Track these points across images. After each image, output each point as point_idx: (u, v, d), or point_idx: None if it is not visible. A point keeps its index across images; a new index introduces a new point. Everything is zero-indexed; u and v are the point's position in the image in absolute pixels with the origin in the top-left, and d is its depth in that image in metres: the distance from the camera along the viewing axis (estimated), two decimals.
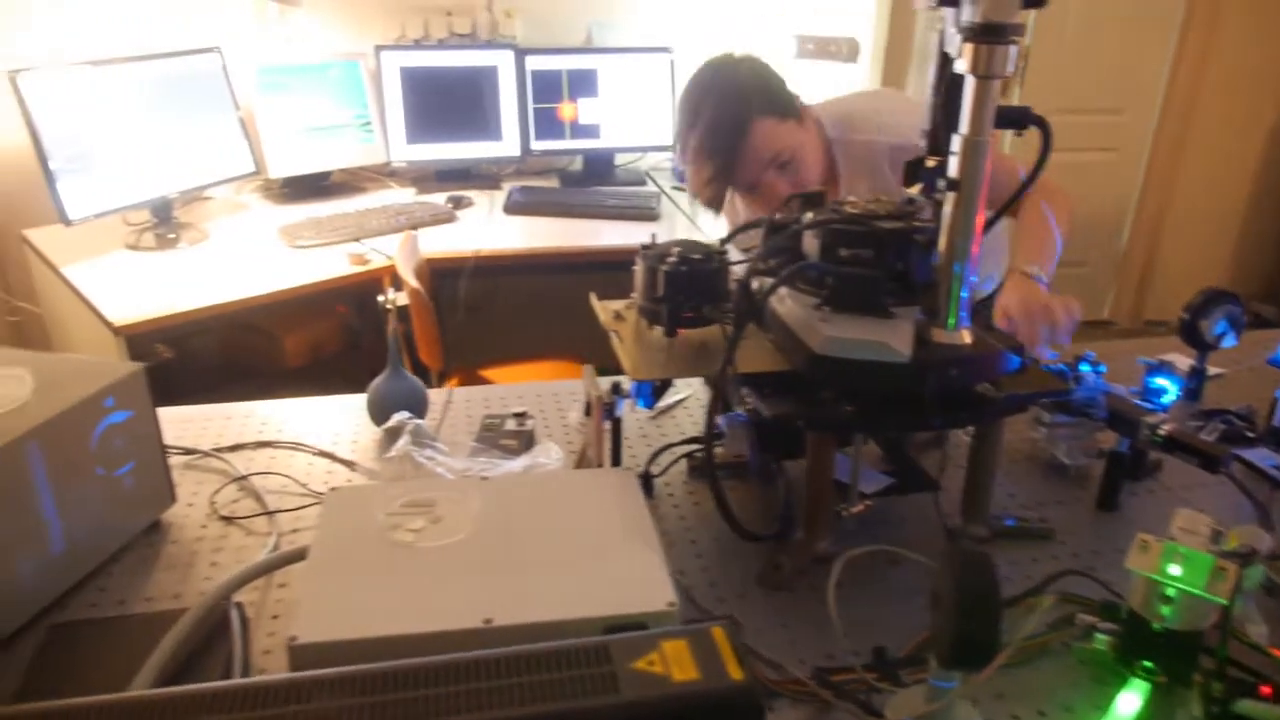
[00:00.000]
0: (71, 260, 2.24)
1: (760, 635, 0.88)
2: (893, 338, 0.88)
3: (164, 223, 2.43)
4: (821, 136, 1.56)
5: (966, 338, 0.92)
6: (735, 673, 0.60)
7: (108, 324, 1.96)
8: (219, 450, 1.21)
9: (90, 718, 0.56)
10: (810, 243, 0.98)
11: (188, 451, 1.20)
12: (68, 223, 2.18)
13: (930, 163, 0.95)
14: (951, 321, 0.91)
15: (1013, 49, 0.81)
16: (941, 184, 0.88)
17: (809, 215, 1.02)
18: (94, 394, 0.94)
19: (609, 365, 1.07)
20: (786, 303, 0.97)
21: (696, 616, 0.90)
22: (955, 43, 0.82)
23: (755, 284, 0.98)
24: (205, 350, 2.72)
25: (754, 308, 0.96)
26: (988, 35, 0.79)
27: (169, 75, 2.43)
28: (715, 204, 1.57)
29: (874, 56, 3.08)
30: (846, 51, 2.82)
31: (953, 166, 0.86)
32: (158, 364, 2.58)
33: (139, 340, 2.01)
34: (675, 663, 0.60)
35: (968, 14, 0.81)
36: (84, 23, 2.55)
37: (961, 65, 0.82)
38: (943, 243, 0.89)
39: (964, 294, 0.90)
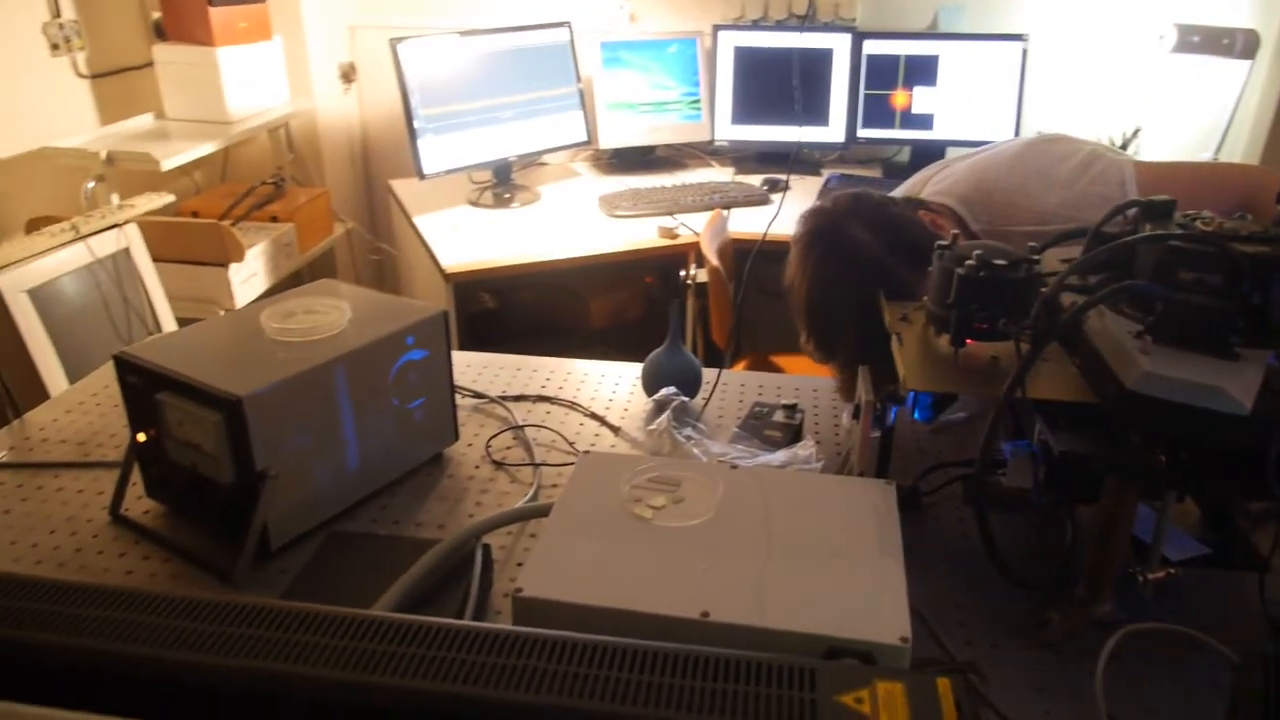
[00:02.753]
0: (422, 210, 2.50)
1: (1007, 695, 0.78)
2: (1232, 384, 0.73)
3: (503, 183, 2.63)
4: (963, 231, 1.29)
5: None
6: None
7: (441, 269, 2.16)
8: (504, 398, 1.28)
9: (334, 627, 0.61)
10: (1144, 259, 0.84)
11: (476, 395, 1.29)
12: (422, 177, 2.43)
13: None
14: None
15: None
16: None
17: (1147, 227, 0.88)
18: (397, 331, 1.03)
19: None
20: (1101, 326, 0.84)
21: (935, 657, 0.81)
22: None
23: (1066, 300, 0.86)
24: (522, 304, 2.93)
25: (1060, 326, 0.84)
26: None
27: (523, 47, 2.62)
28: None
29: (1277, 53, 2.63)
30: (1241, 46, 2.42)
31: None
32: (480, 311, 2.83)
33: (465, 287, 2.21)
34: (885, 706, 0.54)
35: None
36: None
37: None
38: None
39: None
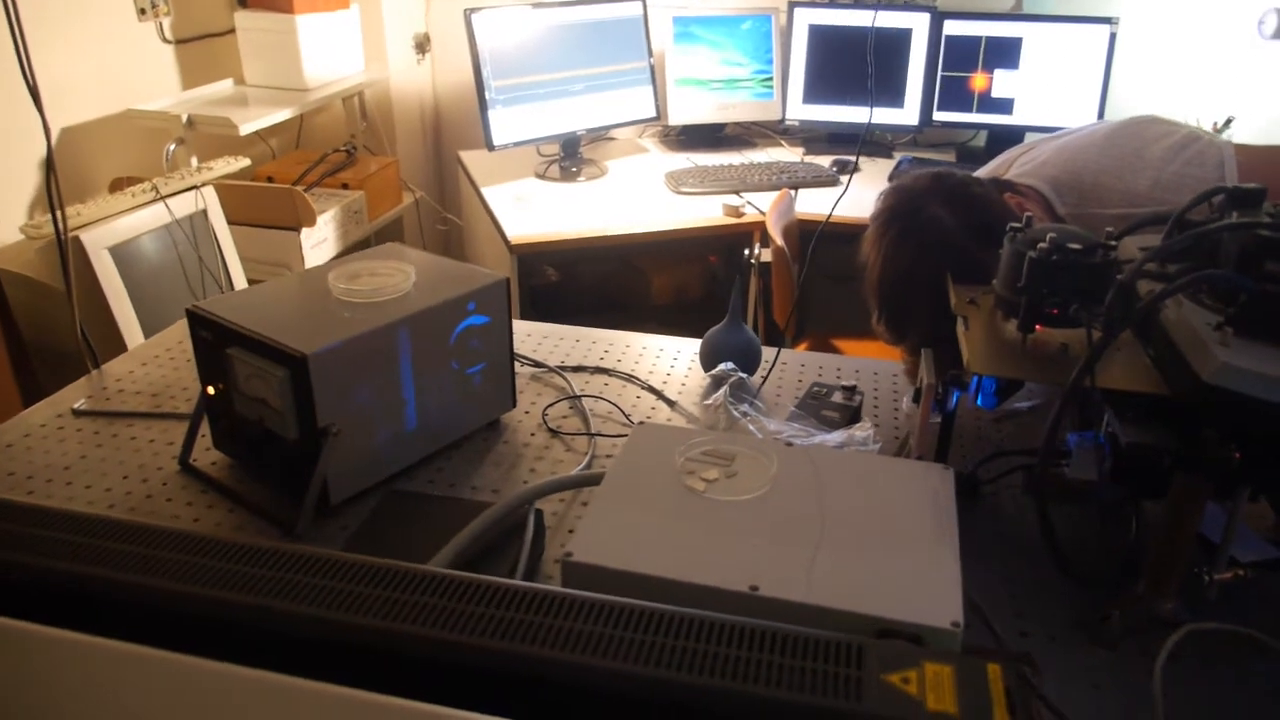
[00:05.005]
0: (490, 182, 2.52)
1: (1063, 689, 0.76)
2: None
3: (570, 157, 2.64)
4: (1049, 214, 1.25)
5: None
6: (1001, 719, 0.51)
7: (506, 241, 2.18)
8: (562, 368, 1.29)
9: (392, 581, 0.63)
10: (1228, 248, 0.81)
11: (536, 364, 1.30)
12: (491, 148, 2.45)
13: None
14: None
15: None
16: None
17: (1234, 215, 0.84)
18: (460, 296, 1.04)
19: None
20: (1178, 315, 0.81)
21: (989, 646, 0.80)
22: None
23: (1143, 288, 0.83)
24: (586, 277, 2.95)
25: (1134, 315, 0.82)
26: None
27: (595, 20, 2.62)
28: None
29: None
30: None
31: None
32: (543, 284, 2.85)
33: (530, 259, 2.23)
34: (933, 688, 0.53)
35: None
36: None
37: None
38: None
39: None
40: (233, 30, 2.72)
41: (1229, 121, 2.55)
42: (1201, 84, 2.64)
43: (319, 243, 2.49)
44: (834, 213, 1.22)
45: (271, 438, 0.96)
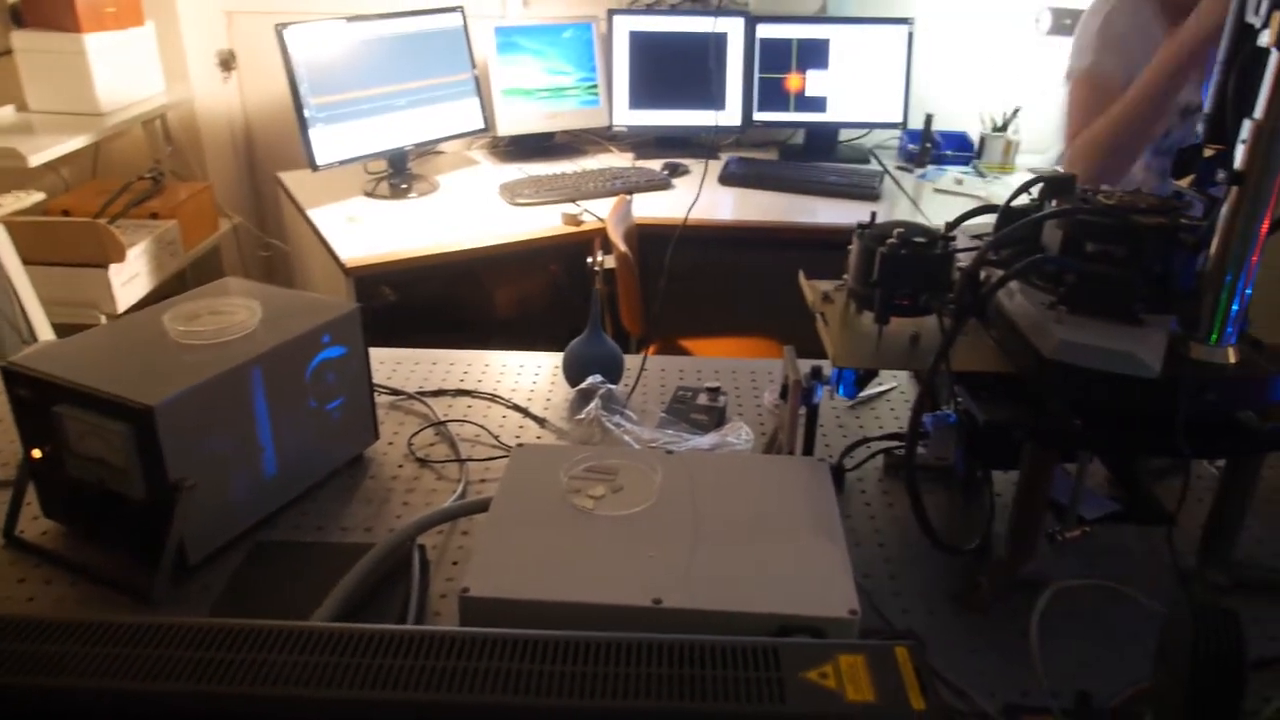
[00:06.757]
0: (315, 203, 2.41)
1: (946, 658, 0.81)
2: (1141, 348, 0.77)
3: (399, 173, 2.56)
4: None
5: (1231, 356, 0.80)
6: (917, 702, 0.54)
7: (340, 263, 2.09)
8: (422, 394, 1.25)
9: (270, 642, 0.58)
10: (1052, 234, 0.88)
11: (394, 392, 1.25)
12: (315, 168, 2.34)
13: (1208, 151, 0.82)
14: (1214, 337, 0.80)
15: None
16: (1221, 177, 0.76)
17: (1053, 203, 0.92)
18: (313, 329, 0.99)
19: (810, 349, 1.01)
20: (1016, 299, 0.88)
21: (877, 627, 0.83)
22: (1263, 9, 0.70)
23: (983, 275, 0.89)
24: (426, 296, 2.87)
25: (978, 301, 0.87)
26: None
27: (414, 32, 2.55)
28: None
29: None
30: None
31: (1239, 157, 0.74)
32: (381, 305, 2.75)
33: (366, 281, 2.14)
34: (850, 680, 0.55)
35: None
36: None
37: (1266, 37, 0.70)
38: (1216, 246, 0.77)
39: (1234, 307, 0.78)
40: (9, 52, 2.48)
41: (1016, 112, 2.78)
42: (992, 78, 2.86)
43: (131, 278, 2.31)
44: (667, 215, 1.24)
45: (114, 499, 0.88)
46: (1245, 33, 0.76)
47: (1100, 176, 1.77)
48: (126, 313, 2.23)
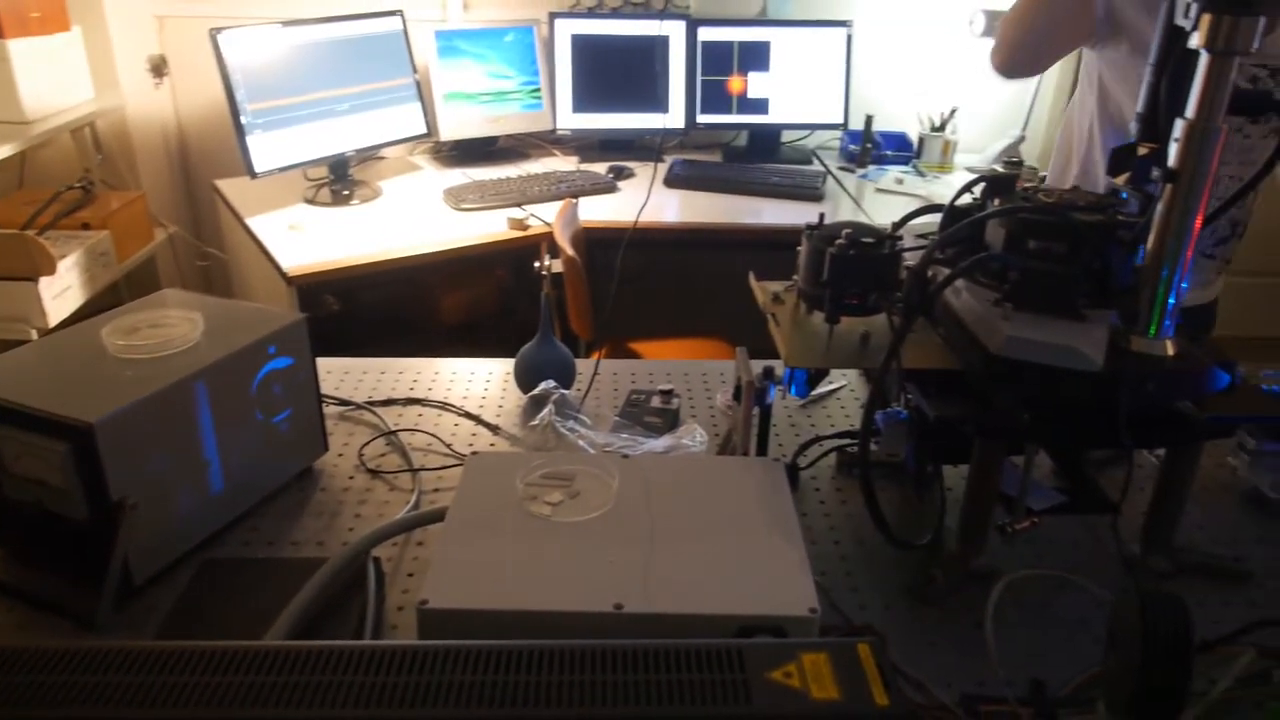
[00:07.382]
0: (254, 211, 2.36)
1: (903, 651, 0.82)
2: (1083, 342, 0.79)
3: (340, 180, 2.52)
4: None
5: (1169, 349, 0.82)
6: (880, 698, 0.54)
7: (281, 273, 2.05)
8: (372, 403, 1.23)
9: (222, 664, 0.57)
10: (995, 232, 0.90)
11: (342, 403, 1.23)
12: (253, 175, 2.29)
13: (1142, 150, 0.85)
14: (1153, 330, 0.82)
15: (1261, 21, 0.70)
16: (1156, 175, 0.79)
17: (995, 202, 0.94)
18: (258, 340, 0.97)
19: (761, 349, 1.02)
20: (962, 296, 0.89)
21: (836, 624, 0.84)
22: (1192, 11, 0.72)
23: (930, 273, 0.91)
24: (370, 304, 2.83)
25: (926, 299, 0.89)
26: (1234, 4, 0.69)
27: (353, 37, 2.52)
28: None
29: None
30: None
31: (1173, 155, 0.76)
32: (325, 315, 2.71)
33: (309, 290, 2.11)
34: (814, 678, 0.55)
35: None
36: None
37: (1196, 39, 0.72)
38: (1152, 242, 0.79)
39: (1171, 301, 0.81)
40: None
41: (953, 112, 2.84)
42: (929, 78, 2.91)
43: (62, 291, 2.24)
44: (613, 219, 1.24)
45: (53, 520, 0.85)
46: (1176, 35, 0.78)
47: (1008, 71, 1.68)
48: (59, 327, 2.16)
